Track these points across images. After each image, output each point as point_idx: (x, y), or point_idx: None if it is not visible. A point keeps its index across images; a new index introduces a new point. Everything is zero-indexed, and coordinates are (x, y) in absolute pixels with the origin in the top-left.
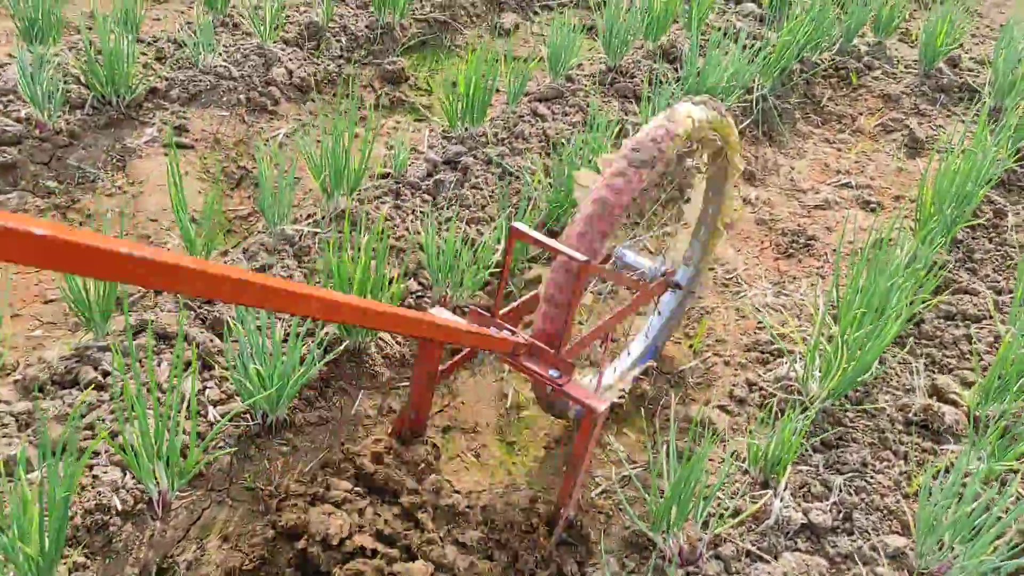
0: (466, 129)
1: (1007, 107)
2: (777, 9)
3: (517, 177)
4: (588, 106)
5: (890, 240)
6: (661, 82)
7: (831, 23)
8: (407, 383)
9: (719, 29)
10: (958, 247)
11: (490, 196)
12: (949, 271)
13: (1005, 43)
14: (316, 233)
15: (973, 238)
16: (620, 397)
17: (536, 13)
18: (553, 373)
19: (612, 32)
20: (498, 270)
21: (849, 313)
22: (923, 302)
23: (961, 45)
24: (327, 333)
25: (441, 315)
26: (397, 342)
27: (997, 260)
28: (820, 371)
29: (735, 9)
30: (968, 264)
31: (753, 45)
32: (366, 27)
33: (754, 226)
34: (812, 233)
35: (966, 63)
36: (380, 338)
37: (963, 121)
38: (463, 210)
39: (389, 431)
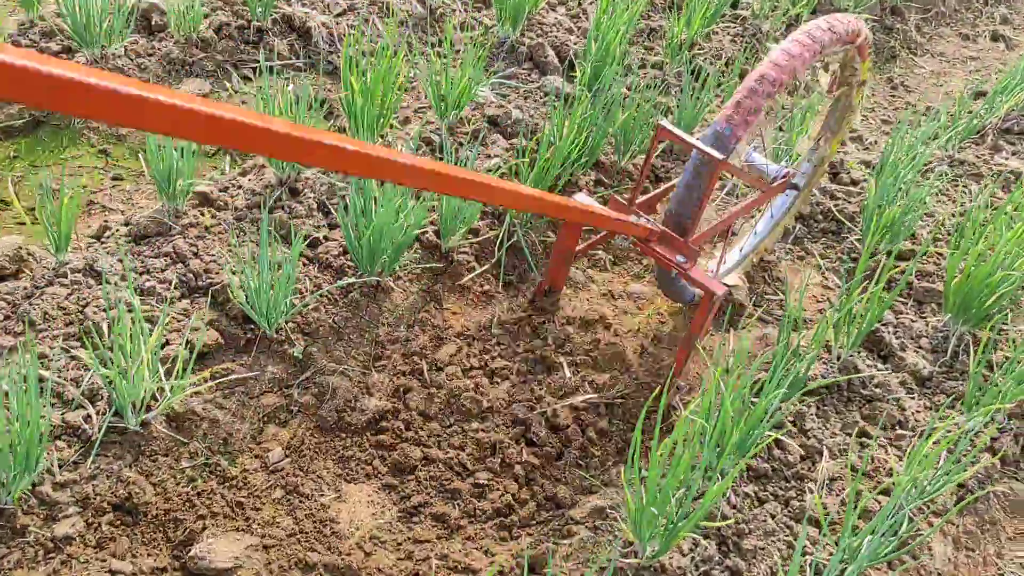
0: None
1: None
2: None
3: None
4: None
5: None
6: None
7: None
8: None
9: None
10: None
11: None
12: None
13: (889, 154)
14: None
15: None
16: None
17: (246, 79)
18: (680, 259)
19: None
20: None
21: None
22: None
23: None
24: None
25: (584, 201)
26: None
27: None
28: None
29: None
30: None
31: None
32: None
33: None
34: None
35: (844, 180)
36: None
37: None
38: None
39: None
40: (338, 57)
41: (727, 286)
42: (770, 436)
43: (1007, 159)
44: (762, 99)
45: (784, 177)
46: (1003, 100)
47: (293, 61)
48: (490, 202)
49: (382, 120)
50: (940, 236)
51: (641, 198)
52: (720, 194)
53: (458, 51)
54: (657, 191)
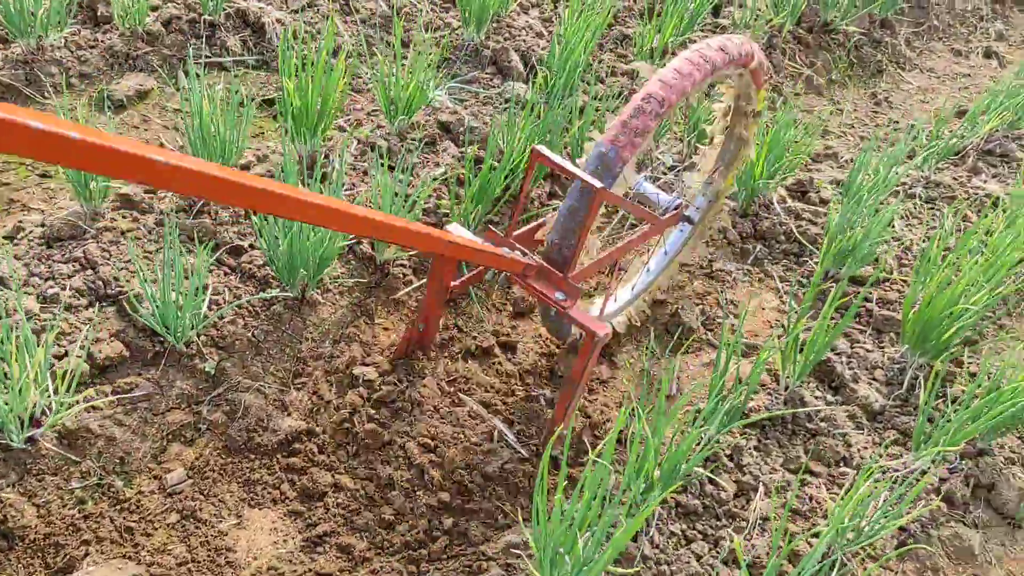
0: None
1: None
2: None
3: None
4: None
5: None
6: None
7: None
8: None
9: None
10: None
11: None
12: None
13: (857, 174)
14: None
15: None
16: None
17: (190, 74)
18: (559, 296)
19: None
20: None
21: None
22: None
23: (808, 164)
24: None
25: (457, 232)
26: None
27: None
28: None
29: None
30: None
31: None
32: None
33: None
34: None
35: (812, 200)
36: None
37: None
38: None
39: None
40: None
41: (612, 327)
42: (700, 471)
43: (985, 182)
44: (650, 119)
45: (676, 209)
46: (986, 120)
47: (244, 58)
48: (345, 231)
49: (324, 122)
50: (907, 262)
51: (520, 229)
52: (611, 222)
53: (420, 53)
54: (538, 222)
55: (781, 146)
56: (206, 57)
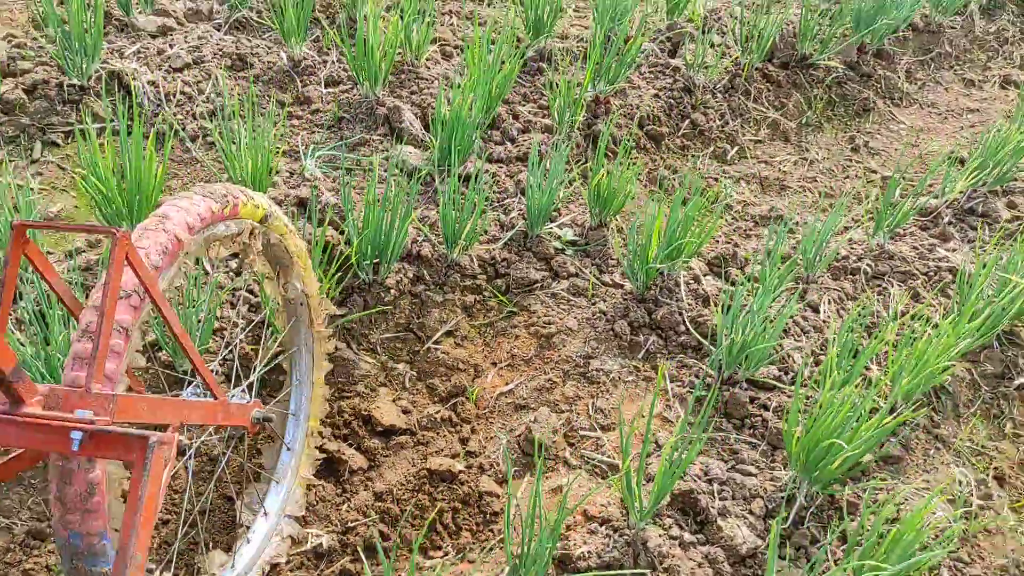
0: None
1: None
2: None
3: None
4: None
5: None
6: None
7: None
8: None
9: None
10: None
11: None
12: None
13: (777, 247)
14: None
15: None
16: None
17: (53, 145)
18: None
19: None
20: None
21: None
22: None
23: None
24: None
25: None
26: None
27: None
28: None
29: None
30: None
31: None
32: None
33: None
34: None
35: (735, 278)
36: None
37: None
38: None
39: None
40: (168, 117)
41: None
42: None
43: (952, 251)
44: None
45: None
46: (957, 176)
47: (112, 124)
48: None
49: (142, 198)
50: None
51: None
52: None
53: (317, 111)
54: None
55: (688, 218)
56: (69, 125)
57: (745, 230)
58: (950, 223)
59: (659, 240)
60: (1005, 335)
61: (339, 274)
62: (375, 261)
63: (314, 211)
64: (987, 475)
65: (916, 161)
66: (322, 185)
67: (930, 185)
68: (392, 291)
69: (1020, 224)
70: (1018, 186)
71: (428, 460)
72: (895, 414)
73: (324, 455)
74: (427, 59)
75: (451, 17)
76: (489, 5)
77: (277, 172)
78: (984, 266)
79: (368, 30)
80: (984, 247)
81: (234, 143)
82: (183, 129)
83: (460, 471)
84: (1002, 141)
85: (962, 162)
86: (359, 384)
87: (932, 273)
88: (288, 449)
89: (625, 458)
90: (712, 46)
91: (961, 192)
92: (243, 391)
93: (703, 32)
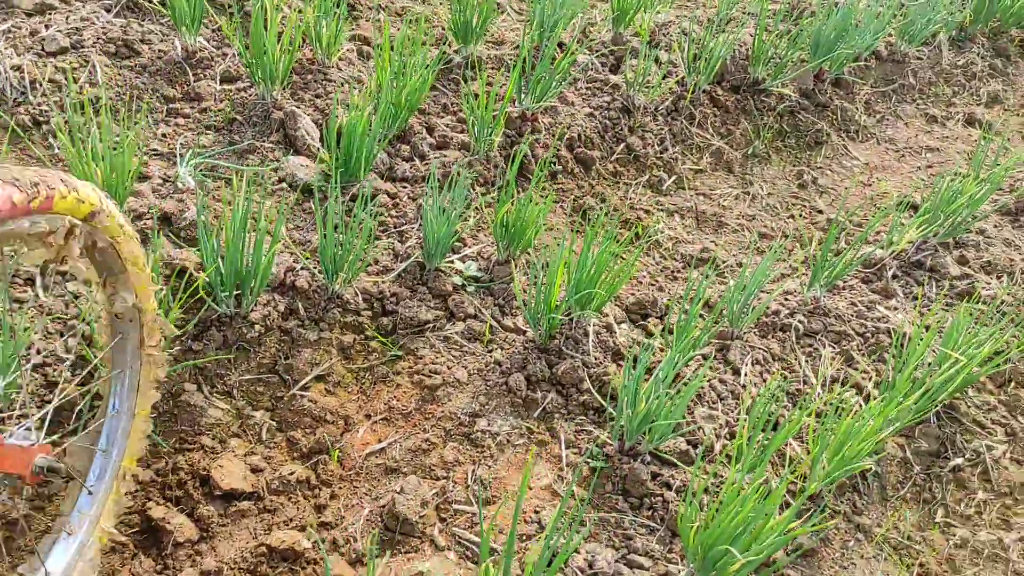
0: None
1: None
2: None
3: None
4: None
5: None
6: None
7: None
8: None
9: None
10: None
11: None
12: None
13: (698, 301)
14: None
15: None
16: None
17: None
18: None
19: None
20: None
21: None
22: None
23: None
24: None
25: None
26: None
27: None
28: None
29: None
30: None
31: None
32: None
33: None
34: None
35: (652, 331)
36: None
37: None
38: None
39: None
40: (31, 108)
41: None
42: None
43: (893, 310)
44: None
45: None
46: (907, 225)
47: None
48: None
49: None
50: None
51: None
52: None
53: (207, 110)
54: None
55: (601, 262)
56: None
57: (673, 271)
58: (895, 276)
59: (568, 281)
60: (944, 409)
61: (195, 304)
62: (236, 292)
63: (176, 228)
64: (911, 573)
65: (866, 203)
66: (193, 198)
67: (877, 232)
68: (257, 326)
69: (969, 282)
70: (971, 239)
71: (272, 533)
72: (815, 503)
73: (147, 522)
74: (340, 59)
75: (379, 12)
76: (425, 3)
77: (148, 179)
78: (927, 329)
79: (263, 22)
80: (929, 307)
81: (83, 142)
82: (48, 122)
83: (306, 549)
84: (957, 191)
85: (915, 208)
86: (205, 435)
87: (870, 335)
88: (90, 493)
89: (510, 546)
90: (657, 63)
91: (910, 243)
92: (27, 429)
93: (649, 47)
